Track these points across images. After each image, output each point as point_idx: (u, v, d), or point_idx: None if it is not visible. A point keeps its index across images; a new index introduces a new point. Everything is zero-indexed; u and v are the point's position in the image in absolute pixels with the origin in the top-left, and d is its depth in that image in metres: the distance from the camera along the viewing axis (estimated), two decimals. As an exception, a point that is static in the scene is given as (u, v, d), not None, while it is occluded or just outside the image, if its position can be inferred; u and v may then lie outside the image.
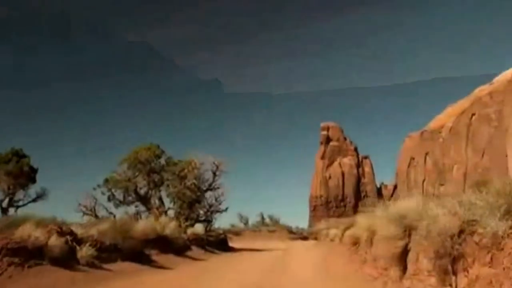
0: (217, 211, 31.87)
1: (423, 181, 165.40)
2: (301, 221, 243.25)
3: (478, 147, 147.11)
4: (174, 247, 22.25)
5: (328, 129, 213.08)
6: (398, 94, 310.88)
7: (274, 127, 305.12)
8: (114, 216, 31.03)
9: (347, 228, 29.41)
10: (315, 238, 60.00)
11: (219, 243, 30.82)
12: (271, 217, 74.18)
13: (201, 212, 31.63)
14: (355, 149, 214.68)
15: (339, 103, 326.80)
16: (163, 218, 22.87)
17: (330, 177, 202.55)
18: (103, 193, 31.47)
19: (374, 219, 12.78)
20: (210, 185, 31.34)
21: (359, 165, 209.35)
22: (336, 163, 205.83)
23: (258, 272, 17.23)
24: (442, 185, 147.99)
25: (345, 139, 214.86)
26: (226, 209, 32.37)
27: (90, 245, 16.22)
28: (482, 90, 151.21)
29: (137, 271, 17.14)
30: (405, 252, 9.53)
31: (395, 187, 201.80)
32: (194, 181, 30.23)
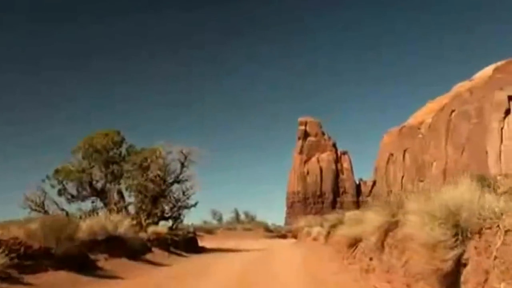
0: (185, 207, 27.87)
1: (402, 177, 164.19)
2: (277, 218, 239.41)
3: (457, 143, 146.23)
4: (130, 249, 18.29)
5: (306, 124, 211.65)
6: (377, 89, 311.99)
7: (251, 120, 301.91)
8: (67, 213, 26.82)
9: (333, 225, 25.98)
10: (294, 237, 56.69)
11: (187, 244, 26.89)
12: (246, 214, 70.22)
13: (167, 208, 27.61)
14: (334, 145, 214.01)
15: (317, 97, 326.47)
16: (115, 215, 18.78)
17: (308, 173, 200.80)
18: (52, 186, 27.11)
19: (393, 215, 9.21)
20: (177, 177, 27.34)
21: (337, 160, 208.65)
22: (314, 159, 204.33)
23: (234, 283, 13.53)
24: (421, 181, 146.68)
25: (323, 134, 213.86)
26: (195, 204, 28.44)
27: (7, 251, 12.17)
28: (461, 86, 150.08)
29: (71, 283, 13.16)
30: (457, 267, 5.97)
31: (374, 183, 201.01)
32: (159, 172, 26.18)
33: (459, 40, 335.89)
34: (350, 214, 24.48)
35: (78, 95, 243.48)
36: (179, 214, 28.66)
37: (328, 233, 26.08)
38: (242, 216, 70.17)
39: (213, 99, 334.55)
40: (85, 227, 16.90)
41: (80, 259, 14.63)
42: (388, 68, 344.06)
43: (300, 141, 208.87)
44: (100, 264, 15.68)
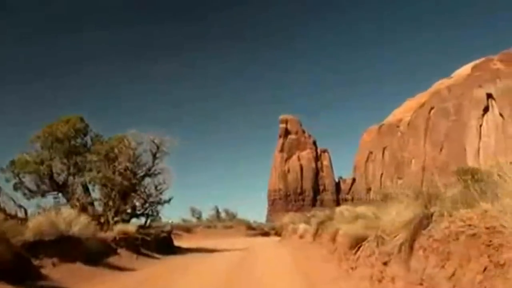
0: (158, 203, 24.99)
1: (381, 175, 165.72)
2: (258, 215, 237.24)
3: (436, 140, 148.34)
4: (87, 252, 15.42)
5: (286, 122, 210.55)
6: (356, 88, 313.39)
7: (231, 118, 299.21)
8: (25, 211, 23.63)
9: (322, 222, 23.61)
10: (278, 234, 54.42)
11: (160, 244, 24.02)
12: (227, 211, 66.14)
13: (138, 204, 24.69)
14: (314, 143, 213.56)
15: (297, 95, 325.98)
16: (68, 211, 15.87)
17: (288, 171, 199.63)
18: (7, 180, 23.88)
19: (426, 207, 6.74)
20: (149, 169, 24.43)
21: (317, 158, 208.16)
22: (294, 157, 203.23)
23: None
24: (400, 178, 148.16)
25: (303, 132, 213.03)
26: (170, 200, 25.52)
27: None
28: (440, 84, 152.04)
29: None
30: None
31: (354, 180, 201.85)
32: (128, 164, 23.22)
33: (437, 38, 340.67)
34: (341, 209, 22.24)
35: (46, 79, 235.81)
36: (153, 211, 25.77)
37: (316, 230, 23.70)
38: (223, 214, 66.60)
39: (195, 96, 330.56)
40: (32, 226, 14.02)
41: (17, 266, 11.72)
42: (367, 67, 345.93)
43: (281, 139, 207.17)
44: (45, 271, 12.75)
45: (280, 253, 23.46)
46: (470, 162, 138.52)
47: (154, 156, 24.35)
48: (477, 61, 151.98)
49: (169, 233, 29.56)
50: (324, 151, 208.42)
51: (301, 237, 28.14)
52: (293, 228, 33.61)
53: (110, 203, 22.81)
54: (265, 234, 60.54)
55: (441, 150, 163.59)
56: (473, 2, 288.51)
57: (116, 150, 22.97)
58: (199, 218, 63.25)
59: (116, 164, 22.91)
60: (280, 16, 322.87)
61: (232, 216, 64.67)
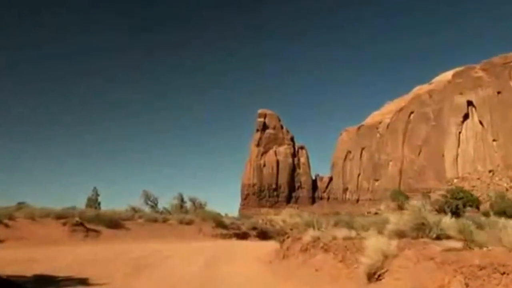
0: None
1: (358, 175, 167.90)
2: (229, 210, 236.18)
3: (414, 144, 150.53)
4: None
5: (265, 116, 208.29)
6: (335, 87, 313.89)
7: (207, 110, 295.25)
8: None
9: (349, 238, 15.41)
10: (260, 236, 41.93)
11: None
12: (193, 201, 50.15)
13: None
14: (292, 139, 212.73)
15: (276, 92, 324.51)
16: None
17: (264, 165, 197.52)
18: None
19: None
20: None
21: (295, 155, 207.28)
22: (271, 151, 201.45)
23: None
24: (377, 180, 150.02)
25: (282, 127, 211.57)
26: None
27: None
28: (420, 89, 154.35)
29: None
30: None
31: (331, 179, 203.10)
32: None
33: (418, 44, 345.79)
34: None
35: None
36: None
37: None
38: (188, 204, 50.17)
39: (172, 83, 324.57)
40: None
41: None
42: (347, 67, 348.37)
43: (259, 133, 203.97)
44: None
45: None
46: (448, 168, 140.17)
47: None
48: (458, 69, 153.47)
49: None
50: (302, 147, 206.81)
51: (305, 250, 17.30)
52: (294, 235, 24.46)
53: None
54: (243, 235, 41.96)
55: (419, 154, 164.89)
56: (452, 10, 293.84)
57: None
58: (153, 207, 48.71)
59: None
60: (265, 11, 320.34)
61: (199, 206, 48.79)
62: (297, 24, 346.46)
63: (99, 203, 52.22)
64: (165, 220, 39.29)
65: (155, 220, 38.55)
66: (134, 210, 43.57)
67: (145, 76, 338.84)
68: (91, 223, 31.74)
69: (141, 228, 35.05)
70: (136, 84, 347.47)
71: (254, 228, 46.53)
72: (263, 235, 42.48)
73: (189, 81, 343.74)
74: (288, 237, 20.38)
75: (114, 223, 33.59)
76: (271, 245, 23.72)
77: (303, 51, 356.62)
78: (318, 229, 15.93)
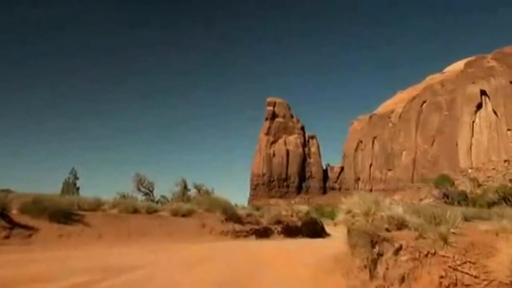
0: None
1: (370, 165, 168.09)
2: (238, 200, 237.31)
3: (428, 134, 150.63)
4: None
5: (274, 104, 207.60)
6: (347, 76, 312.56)
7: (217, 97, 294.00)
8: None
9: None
10: (285, 232, 32.11)
11: None
12: (199, 188, 40.29)
13: None
14: (302, 128, 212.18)
15: (286, 80, 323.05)
16: None
17: (274, 155, 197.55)
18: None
19: None
20: None
21: (305, 144, 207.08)
22: (281, 141, 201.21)
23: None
24: (389, 170, 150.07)
25: (292, 116, 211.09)
26: None
27: None
28: (433, 78, 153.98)
29: None
30: None
31: (342, 169, 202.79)
32: None
33: (430, 33, 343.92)
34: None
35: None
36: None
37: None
38: (193, 191, 40.17)
39: (181, 69, 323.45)
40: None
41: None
42: (359, 56, 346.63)
43: (268, 122, 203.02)
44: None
45: None
46: (462, 158, 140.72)
47: None
48: (470, 58, 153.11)
49: None
50: (313, 137, 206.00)
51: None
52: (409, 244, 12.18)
53: None
54: (263, 232, 30.82)
55: (432, 143, 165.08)
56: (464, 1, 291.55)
57: None
58: (148, 194, 39.26)
59: None
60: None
61: (205, 193, 39.52)
62: (311, 9, 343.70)
63: (77, 188, 42.52)
64: (151, 211, 26.92)
65: (135, 211, 25.86)
66: (124, 197, 33.62)
67: (156, 62, 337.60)
68: (26, 213, 19.68)
69: (109, 222, 22.49)
70: (143, 71, 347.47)
71: (278, 222, 34.44)
72: (289, 232, 33.92)
73: (196, 67, 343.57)
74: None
75: (65, 215, 21.02)
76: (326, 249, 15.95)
77: (315, 38, 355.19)
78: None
